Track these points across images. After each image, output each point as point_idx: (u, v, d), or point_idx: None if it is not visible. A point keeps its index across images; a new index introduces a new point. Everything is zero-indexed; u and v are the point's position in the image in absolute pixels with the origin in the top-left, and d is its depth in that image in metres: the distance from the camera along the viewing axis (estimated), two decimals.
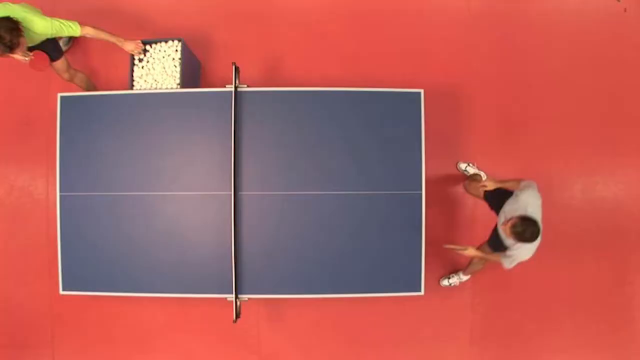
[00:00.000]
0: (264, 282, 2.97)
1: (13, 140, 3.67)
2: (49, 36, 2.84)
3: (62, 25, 2.84)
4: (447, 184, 3.66)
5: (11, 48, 2.63)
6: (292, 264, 2.97)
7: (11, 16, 2.68)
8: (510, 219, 2.53)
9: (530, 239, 2.50)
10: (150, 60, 3.31)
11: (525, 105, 3.66)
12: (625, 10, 3.73)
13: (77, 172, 2.99)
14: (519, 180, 2.82)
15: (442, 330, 3.62)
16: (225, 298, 2.96)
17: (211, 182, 2.96)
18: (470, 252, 2.89)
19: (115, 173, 2.98)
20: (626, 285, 3.67)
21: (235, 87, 2.98)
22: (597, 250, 3.66)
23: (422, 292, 2.99)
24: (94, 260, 2.99)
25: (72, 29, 2.87)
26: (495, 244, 2.88)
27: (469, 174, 3.53)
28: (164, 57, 3.31)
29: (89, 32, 2.94)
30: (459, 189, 3.64)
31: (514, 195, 2.73)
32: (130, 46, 3.12)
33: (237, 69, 3.04)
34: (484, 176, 3.49)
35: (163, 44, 3.32)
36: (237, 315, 2.96)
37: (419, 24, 3.71)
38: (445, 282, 3.58)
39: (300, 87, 3.04)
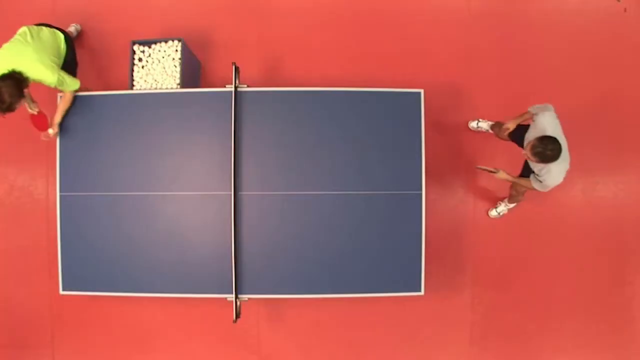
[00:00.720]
0: (264, 282, 2.97)
1: (13, 140, 3.67)
2: (52, 87, 2.81)
3: (64, 83, 2.81)
4: (447, 182, 3.66)
5: (6, 111, 2.61)
6: (292, 264, 2.97)
7: (19, 69, 2.64)
8: (528, 143, 2.55)
9: (552, 156, 2.51)
10: (150, 60, 3.32)
11: (525, 105, 3.65)
12: (625, 10, 3.73)
13: (77, 172, 2.99)
14: (522, 115, 2.92)
15: (442, 330, 3.62)
16: (225, 298, 2.96)
17: (211, 182, 2.96)
18: (502, 175, 2.94)
19: (115, 173, 2.98)
20: (626, 285, 3.67)
21: (235, 87, 2.98)
22: (597, 250, 3.66)
23: (422, 292, 2.99)
24: (94, 260, 2.99)
25: (72, 87, 2.87)
26: (527, 175, 2.94)
27: (484, 129, 3.56)
28: (164, 57, 3.31)
29: (69, 96, 2.91)
30: (459, 188, 3.65)
31: (532, 124, 2.77)
32: (53, 127, 2.95)
33: (237, 69, 3.04)
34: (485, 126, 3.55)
35: (163, 44, 3.32)
36: (237, 315, 2.96)
37: (419, 23, 3.72)
38: (493, 213, 3.59)
39: (300, 87, 3.04)
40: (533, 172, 2.84)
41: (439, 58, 3.69)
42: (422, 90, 3.02)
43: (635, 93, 3.70)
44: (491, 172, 2.95)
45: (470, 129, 3.62)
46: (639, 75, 3.71)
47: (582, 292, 3.65)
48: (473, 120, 3.60)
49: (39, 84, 2.81)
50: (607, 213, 3.67)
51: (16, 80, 2.60)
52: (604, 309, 3.66)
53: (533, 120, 2.78)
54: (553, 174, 2.67)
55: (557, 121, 2.72)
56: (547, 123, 2.68)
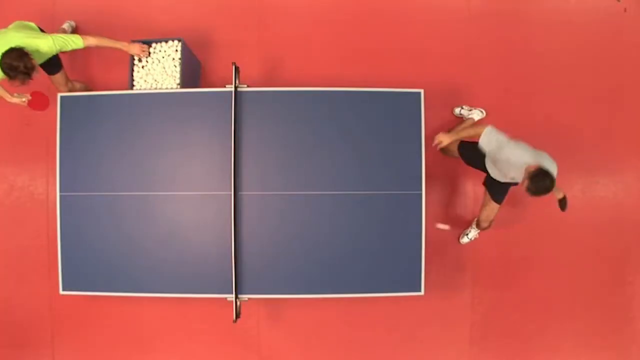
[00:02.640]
0: (264, 282, 2.97)
1: (13, 140, 3.67)
2: (54, 53, 2.84)
3: (64, 41, 2.83)
4: (447, 182, 3.66)
5: (29, 73, 2.64)
6: (292, 264, 2.97)
7: (14, 46, 2.68)
8: (526, 187, 2.51)
9: (551, 186, 2.50)
10: (150, 60, 3.31)
11: (525, 105, 3.66)
12: (625, 10, 3.73)
13: (77, 172, 2.99)
14: (471, 126, 2.91)
15: (442, 330, 3.62)
16: (225, 298, 2.96)
17: (211, 182, 2.96)
18: (442, 137, 2.86)
19: (115, 173, 2.98)
20: (626, 285, 3.67)
21: (235, 87, 2.98)
22: (597, 250, 3.66)
23: (422, 292, 2.99)
24: (94, 260, 2.99)
25: (74, 42, 2.87)
26: (494, 189, 3.04)
27: (466, 117, 3.56)
28: (164, 57, 3.31)
29: (92, 42, 2.93)
30: (459, 188, 3.65)
31: (493, 154, 2.73)
32: (135, 49, 3.12)
33: (237, 69, 3.04)
34: (477, 115, 3.53)
35: (163, 44, 3.32)
36: (237, 315, 2.96)
37: (418, 23, 3.71)
38: (465, 239, 3.58)
39: (300, 87, 3.04)
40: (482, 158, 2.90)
41: (439, 58, 3.69)
42: (422, 90, 3.02)
43: (635, 93, 3.70)
44: (436, 142, 2.90)
45: (455, 115, 3.62)
46: (639, 75, 3.71)
47: (582, 292, 3.65)
48: (457, 106, 3.60)
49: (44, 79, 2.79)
50: (607, 213, 3.67)
51: (16, 50, 2.63)
52: (604, 309, 3.66)
53: (495, 152, 2.71)
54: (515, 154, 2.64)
55: (514, 147, 2.65)
56: (513, 154, 2.63)
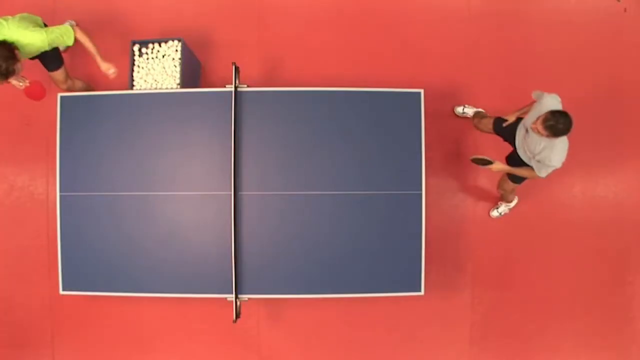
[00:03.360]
0: (264, 282, 2.97)
1: (13, 140, 3.67)
2: (47, 48, 2.82)
3: (57, 37, 2.81)
4: (447, 182, 3.66)
5: (6, 76, 2.61)
6: (292, 264, 2.97)
7: (6, 39, 2.66)
8: (539, 117, 2.53)
9: (564, 130, 2.50)
10: (150, 60, 3.32)
11: (524, 104, 3.65)
12: (625, 10, 3.73)
13: (77, 172, 3.00)
14: (522, 109, 2.93)
15: (442, 330, 3.62)
16: (225, 298, 2.96)
17: (211, 182, 2.96)
18: (497, 165, 2.92)
19: (115, 173, 2.98)
20: (626, 285, 3.67)
21: (235, 87, 2.98)
22: (597, 250, 3.66)
23: (422, 292, 2.99)
24: (94, 260, 2.99)
25: (66, 36, 2.84)
26: (516, 164, 2.96)
27: (470, 115, 3.56)
28: (164, 57, 3.31)
29: (81, 37, 2.91)
30: (459, 188, 3.65)
31: (534, 105, 2.76)
32: (104, 66, 3.00)
33: (237, 69, 3.04)
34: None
35: (163, 44, 3.32)
36: (237, 315, 2.96)
37: (419, 23, 3.71)
38: (495, 213, 3.59)
39: (300, 87, 3.04)
40: (521, 163, 2.86)
41: (439, 58, 3.69)
42: (422, 90, 3.02)
43: (635, 92, 3.70)
44: (485, 163, 2.92)
45: (456, 115, 3.62)
46: (639, 75, 3.71)
47: (582, 292, 3.65)
48: (459, 105, 3.60)
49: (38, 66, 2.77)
50: (607, 213, 3.67)
51: (5, 45, 2.61)
52: (604, 309, 3.66)
53: (537, 102, 2.75)
54: (557, 150, 2.64)
55: (560, 105, 2.71)
56: (550, 103, 2.67)
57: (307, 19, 3.72)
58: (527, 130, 2.80)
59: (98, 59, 2.98)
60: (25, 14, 2.88)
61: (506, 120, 3.05)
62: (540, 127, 2.54)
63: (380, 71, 3.65)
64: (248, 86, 3.02)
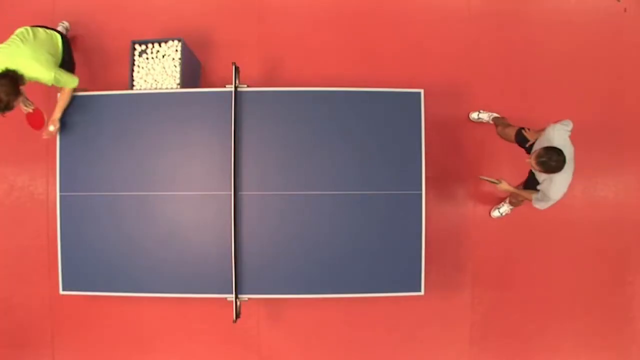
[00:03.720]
0: (264, 282, 2.97)
1: (13, 140, 3.67)
2: (49, 85, 2.81)
3: (62, 82, 2.81)
4: (447, 182, 3.66)
5: (4, 111, 2.61)
6: (292, 264, 2.97)
7: (15, 69, 2.64)
8: (533, 152, 2.58)
9: (556, 167, 2.53)
10: (150, 60, 3.32)
11: (525, 105, 3.66)
12: (625, 10, 3.73)
13: (77, 172, 2.99)
14: (529, 193, 2.92)
15: (442, 330, 3.62)
16: (225, 298, 2.96)
17: (211, 182, 2.96)
18: (504, 186, 2.95)
19: (115, 173, 2.98)
20: (626, 285, 3.67)
21: (235, 87, 2.98)
22: (597, 250, 3.66)
23: (422, 292, 2.99)
24: (94, 260, 2.98)
25: (70, 85, 2.86)
26: (532, 185, 2.95)
27: (485, 120, 3.56)
28: (164, 57, 3.31)
29: (67, 91, 2.91)
30: (460, 188, 3.65)
31: (542, 134, 2.78)
32: (51, 123, 2.93)
33: (237, 69, 3.04)
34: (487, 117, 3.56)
35: (163, 44, 3.32)
36: (237, 315, 2.96)
37: (419, 23, 3.71)
38: (496, 213, 3.59)
39: (300, 87, 3.04)
40: (537, 184, 2.85)
41: (439, 58, 3.69)
42: (422, 90, 3.02)
43: (635, 93, 3.70)
44: (493, 182, 2.96)
45: (471, 120, 3.62)
46: (639, 75, 3.71)
47: (582, 292, 3.65)
48: (474, 111, 3.60)
49: (37, 84, 2.81)
50: (607, 213, 3.67)
51: (11, 79, 2.60)
52: (604, 309, 3.66)
53: (544, 132, 2.76)
54: (556, 184, 2.67)
55: (566, 136, 2.71)
56: (556, 135, 2.67)
57: (307, 19, 3.72)
58: None
59: (57, 112, 2.92)
60: (44, 37, 2.86)
61: (527, 133, 3.03)
62: (533, 163, 2.58)
63: (380, 71, 3.65)
64: (248, 86, 3.02)
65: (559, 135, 2.68)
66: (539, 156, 2.54)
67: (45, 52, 2.80)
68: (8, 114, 2.66)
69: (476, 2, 3.73)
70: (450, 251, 3.63)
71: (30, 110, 2.97)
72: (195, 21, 3.70)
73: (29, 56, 2.71)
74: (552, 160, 2.52)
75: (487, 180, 2.97)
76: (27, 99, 2.96)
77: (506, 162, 3.61)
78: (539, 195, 2.82)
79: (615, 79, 3.70)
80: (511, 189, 2.97)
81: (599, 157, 3.67)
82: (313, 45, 3.70)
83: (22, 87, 2.68)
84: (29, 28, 2.86)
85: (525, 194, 2.96)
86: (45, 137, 2.97)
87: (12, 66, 2.65)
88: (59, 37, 2.99)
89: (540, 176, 2.77)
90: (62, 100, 2.93)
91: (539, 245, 3.65)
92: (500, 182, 2.95)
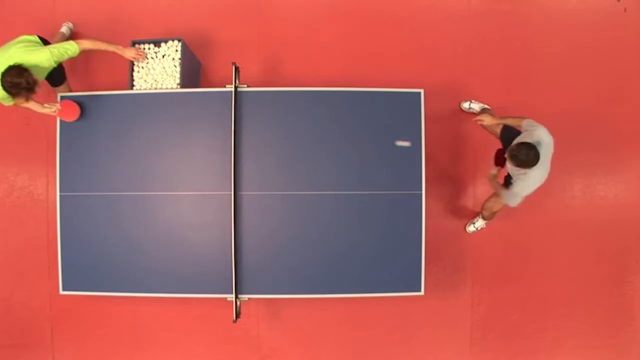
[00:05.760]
0: (264, 282, 2.97)
1: (13, 140, 3.67)
2: (54, 65, 2.83)
3: (61, 52, 2.81)
4: (447, 182, 3.66)
5: (32, 89, 2.63)
6: (292, 264, 2.97)
7: (13, 64, 2.67)
8: (509, 147, 2.61)
9: (527, 161, 2.57)
10: (150, 60, 3.32)
11: (525, 104, 3.66)
12: (625, 10, 3.73)
13: (77, 172, 3.00)
14: (521, 118, 2.89)
15: (442, 330, 3.62)
16: (225, 298, 2.96)
17: (211, 182, 2.96)
18: (486, 118, 2.97)
19: (115, 173, 2.98)
20: (626, 285, 3.67)
21: (235, 87, 2.98)
22: (597, 250, 3.66)
23: (422, 292, 2.99)
24: (93, 260, 2.99)
25: (71, 51, 2.84)
26: (508, 183, 2.99)
27: (476, 111, 3.56)
28: (164, 57, 3.31)
29: (87, 45, 2.91)
30: (460, 188, 3.65)
31: (527, 131, 2.78)
32: (131, 53, 3.07)
33: (237, 69, 3.04)
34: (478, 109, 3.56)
35: (163, 44, 3.32)
36: (237, 315, 2.96)
37: (419, 22, 3.71)
38: (471, 228, 3.59)
39: (300, 87, 3.04)
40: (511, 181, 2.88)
41: (439, 57, 3.69)
42: (422, 90, 3.02)
43: (635, 93, 3.70)
44: (478, 118, 2.99)
45: (462, 110, 3.62)
46: (639, 75, 3.71)
47: (582, 292, 3.65)
48: (465, 101, 3.60)
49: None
50: (607, 213, 3.67)
51: (12, 67, 2.63)
52: (604, 309, 3.66)
53: (529, 129, 2.77)
54: (529, 179, 2.71)
55: (551, 141, 2.73)
56: (543, 137, 2.68)
57: (307, 19, 3.72)
58: None
59: (119, 51, 3.01)
60: (22, 37, 2.89)
61: (484, 116, 3.04)
62: (507, 156, 2.62)
63: (380, 71, 3.65)
64: (248, 86, 3.02)
65: (543, 133, 2.69)
66: (511, 150, 2.59)
67: (28, 43, 2.83)
68: (17, 110, 2.66)
69: (476, 2, 3.73)
70: (450, 251, 3.63)
71: (59, 107, 2.96)
72: (195, 21, 3.70)
73: (19, 51, 2.74)
74: (522, 153, 2.56)
75: (491, 178, 2.98)
76: (49, 103, 2.96)
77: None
78: (508, 193, 2.85)
79: (615, 78, 3.70)
80: (494, 121, 2.98)
81: (598, 157, 3.67)
82: (313, 45, 3.70)
83: (30, 71, 2.68)
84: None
85: (497, 186, 2.97)
86: (143, 59, 3.13)
87: (10, 63, 2.69)
88: (36, 37, 2.98)
89: (514, 170, 2.79)
90: (102, 47, 2.95)
91: (538, 245, 3.65)
92: (483, 120, 2.98)
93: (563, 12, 3.73)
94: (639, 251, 3.67)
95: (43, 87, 2.89)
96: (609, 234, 3.66)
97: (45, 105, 2.95)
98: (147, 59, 3.21)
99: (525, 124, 2.80)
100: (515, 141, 2.74)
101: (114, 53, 3.03)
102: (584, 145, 3.65)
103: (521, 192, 2.77)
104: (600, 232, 3.66)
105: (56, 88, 3.17)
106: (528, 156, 2.56)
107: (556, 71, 3.69)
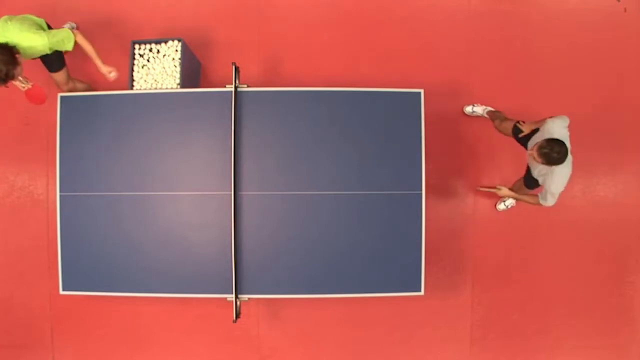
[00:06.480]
0: (264, 282, 2.97)
1: (13, 140, 3.67)
2: (48, 52, 2.82)
3: (59, 41, 2.80)
4: (447, 182, 3.66)
5: (5, 80, 2.61)
6: (292, 264, 2.97)
7: (7, 41, 2.65)
8: (536, 144, 2.56)
9: (558, 158, 2.51)
10: (151, 60, 3.32)
11: (525, 104, 3.66)
12: (625, 10, 3.73)
13: (77, 172, 2.99)
14: (530, 197, 2.94)
15: (442, 330, 3.62)
16: (225, 298, 2.96)
17: (211, 182, 2.96)
18: (504, 192, 2.98)
19: (115, 173, 2.98)
20: (626, 285, 3.67)
21: (235, 87, 2.98)
22: (597, 250, 3.66)
23: (422, 292, 2.99)
24: (93, 260, 2.98)
25: (68, 45, 2.84)
26: (530, 181, 2.96)
27: (480, 114, 3.56)
28: (164, 57, 3.31)
29: (81, 41, 2.90)
30: (460, 188, 3.65)
31: (540, 128, 2.77)
32: (105, 69, 2.99)
33: (237, 69, 3.04)
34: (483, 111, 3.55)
35: (163, 44, 3.32)
36: (237, 315, 2.96)
37: (419, 22, 3.71)
38: (501, 206, 3.59)
39: (300, 87, 3.04)
40: (535, 179, 2.86)
41: (440, 57, 3.69)
42: (422, 90, 3.02)
43: (635, 93, 3.70)
44: (493, 191, 3.01)
45: (465, 114, 3.62)
46: (639, 75, 3.71)
47: (582, 292, 3.65)
48: (468, 105, 3.60)
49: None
50: (607, 213, 3.67)
51: (5, 48, 2.60)
52: (604, 309, 3.66)
53: (543, 125, 2.77)
54: (555, 178, 2.67)
55: (565, 130, 2.71)
56: (555, 129, 2.68)
57: (307, 19, 3.72)
58: None
59: (98, 62, 2.97)
60: (28, 15, 2.87)
61: (521, 126, 3.04)
62: (535, 154, 2.57)
63: (380, 71, 3.65)
64: (248, 86, 3.02)
65: (559, 129, 2.68)
66: (540, 147, 2.53)
67: (31, 23, 2.80)
68: (10, 114, 2.64)
69: (476, 2, 3.73)
70: (450, 251, 3.63)
71: (29, 86, 2.95)
72: (195, 21, 3.70)
73: (17, 28, 2.71)
74: (554, 151, 2.50)
75: (487, 190, 3.01)
76: (25, 78, 2.93)
77: (506, 159, 3.62)
78: (542, 194, 2.82)
79: (615, 78, 3.71)
80: (512, 194, 2.99)
81: (598, 157, 3.67)
82: (313, 45, 3.70)
83: (19, 57, 2.66)
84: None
85: (527, 198, 2.96)
86: (113, 79, 3.01)
87: (3, 40, 2.66)
88: (43, 20, 2.98)
89: (536, 169, 2.76)
90: (89, 51, 2.92)
91: (539, 245, 3.65)
92: (500, 189, 2.98)
93: (563, 12, 3.73)
94: (639, 251, 3.67)
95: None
96: (609, 234, 3.66)
97: (20, 78, 2.90)
98: (116, 76, 3.07)
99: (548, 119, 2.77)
100: (537, 138, 2.71)
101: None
102: (583, 145, 3.64)
103: (557, 189, 2.73)
104: (600, 232, 3.66)
105: (53, 74, 3.11)
106: (560, 153, 2.50)
107: (556, 71, 3.70)
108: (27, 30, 2.73)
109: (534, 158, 2.59)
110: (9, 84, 2.67)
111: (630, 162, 3.69)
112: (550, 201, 2.80)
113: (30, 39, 2.73)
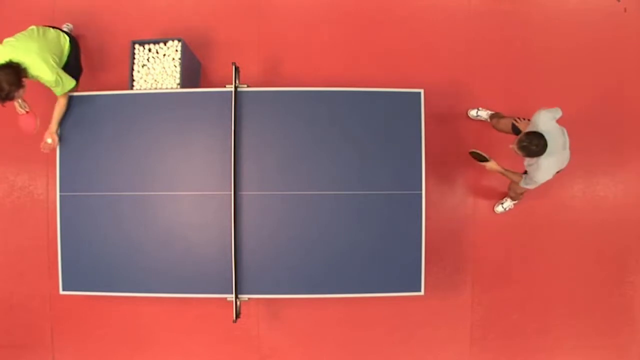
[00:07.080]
0: (264, 282, 2.97)
1: (13, 140, 3.67)
2: (47, 85, 2.81)
3: (61, 85, 2.81)
4: (447, 182, 3.66)
5: (5, 100, 2.61)
6: (292, 264, 2.97)
7: (19, 60, 2.65)
8: (516, 138, 2.62)
9: (536, 151, 2.57)
10: (151, 60, 3.32)
11: (525, 104, 3.66)
12: (625, 10, 3.73)
13: (77, 172, 2.99)
14: (515, 174, 2.97)
15: (442, 330, 3.62)
16: (225, 298, 2.96)
17: (211, 182, 2.96)
18: (491, 165, 2.99)
19: (115, 173, 2.98)
20: (626, 285, 3.67)
21: (235, 87, 2.98)
22: (597, 250, 3.66)
23: (422, 292, 2.99)
24: (93, 260, 2.98)
25: (67, 89, 2.85)
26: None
27: (485, 119, 3.57)
28: (164, 57, 3.31)
29: (63, 100, 2.90)
30: (459, 188, 3.65)
31: (531, 120, 2.82)
32: (49, 135, 2.90)
33: (237, 69, 3.04)
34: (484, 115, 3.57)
35: (163, 44, 3.32)
36: (237, 315, 2.96)
37: (419, 22, 3.71)
38: (499, 208, 3.60)
39: (300, 87, 3.04)
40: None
41: (440, 56, 3.69)
42: (422, 90, 3.02)
43: (635, 92, 3.70)
44: (482, 159, 3.00)
45: (469, 118, 3.62)
46: (639, 75, 3.71)
47: (582, 292, 3.65)
48: (473, 108, 3.61)
49: (37, 84, 2.81)
50: (607, 213, 3.67)
51: (15, 69, 2.62)
52: (604, 309, 3.66)
53: (533, 118, 2.82)
54: (542, 168, 2.71)
55: (553, 122, 2.75)
56: (541, 120, 2.72)
57: (307, 19, 3.72)
58: None
59: (53, 125, 2.91)
60: (52, 37, 2.87)
61: (518, 124, 3.07)
62: (516, 148, 2.62)
63: (380, 71, 3.65)
64: (248, 86, 3.02)
65: (543, 121, 2.71)
66: (520, 141, 2.59)
67: (52, 52, 2.81)
68: (8, 111, 2.64)
69: (476, 2, 3.73)
70: (450, 251, 3.63)
71: (25, 112, 2.96)
72: (195, 21, 3.70)
73: (35, 53, 2.72)
74: (533, 144, 2.56)
75: (477, 153, 3.00)
76: (24, 101, 2.95)
77: (505, 158, 3.60)
78: (526, 178, 2.86)
79: (615, 78, 3.70)
80: (498, 168, 3.00)
81: (598, 157, 3.67)
82: (313, 45, 3.70)
83: (24, 80, 2.68)
84: (40, 27, 2.89)
85: (511, 174, 2.99)
86: (43, 151, 2.96)
87: (17, 60, 2.67)
88: (67, 40, 3.00)
89: (525, 160, 2.81)
90: (57, 112, 2.91)
91: (539, 245, 3.65)
92: (489, 160, 2.99)
93: (563, 12, 3.73)
94: (639, 251, 3.67)
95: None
96: (609, 234, 3.66)
97: (19, 101, 2.92)
98: (49, 150, 2.99)
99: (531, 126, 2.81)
100: (530, 129, 2.75)
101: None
102: (583, 145, 3.64)
103: (541, 179, 2.77)
104: (600, 232, 3.66)
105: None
106: (538, 146, 2.56)
107: (556, 71, 3.69)
108: (43, 59, 2.73)
109: (515, 152, 2.65)
110: (6, 103, 2.66)
111: (630, 162, 3.69)
112: (531, 186, 2.87)
113: (41, 70, 2.74)
